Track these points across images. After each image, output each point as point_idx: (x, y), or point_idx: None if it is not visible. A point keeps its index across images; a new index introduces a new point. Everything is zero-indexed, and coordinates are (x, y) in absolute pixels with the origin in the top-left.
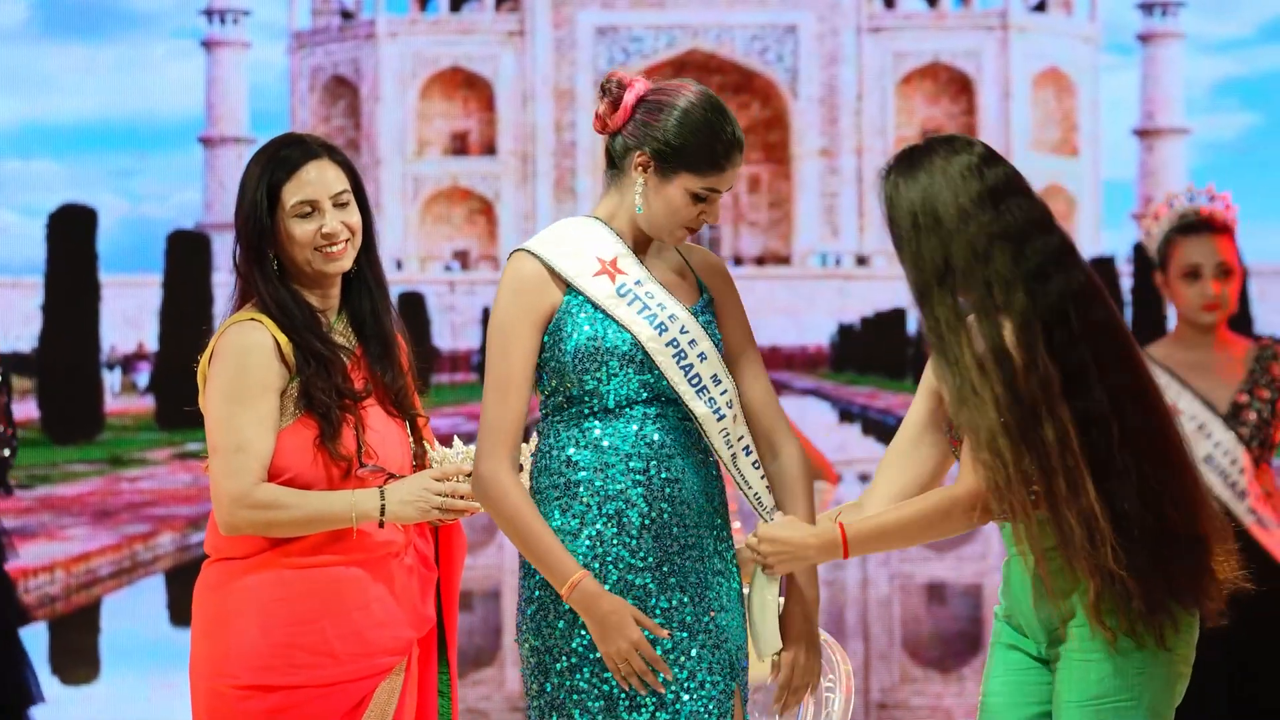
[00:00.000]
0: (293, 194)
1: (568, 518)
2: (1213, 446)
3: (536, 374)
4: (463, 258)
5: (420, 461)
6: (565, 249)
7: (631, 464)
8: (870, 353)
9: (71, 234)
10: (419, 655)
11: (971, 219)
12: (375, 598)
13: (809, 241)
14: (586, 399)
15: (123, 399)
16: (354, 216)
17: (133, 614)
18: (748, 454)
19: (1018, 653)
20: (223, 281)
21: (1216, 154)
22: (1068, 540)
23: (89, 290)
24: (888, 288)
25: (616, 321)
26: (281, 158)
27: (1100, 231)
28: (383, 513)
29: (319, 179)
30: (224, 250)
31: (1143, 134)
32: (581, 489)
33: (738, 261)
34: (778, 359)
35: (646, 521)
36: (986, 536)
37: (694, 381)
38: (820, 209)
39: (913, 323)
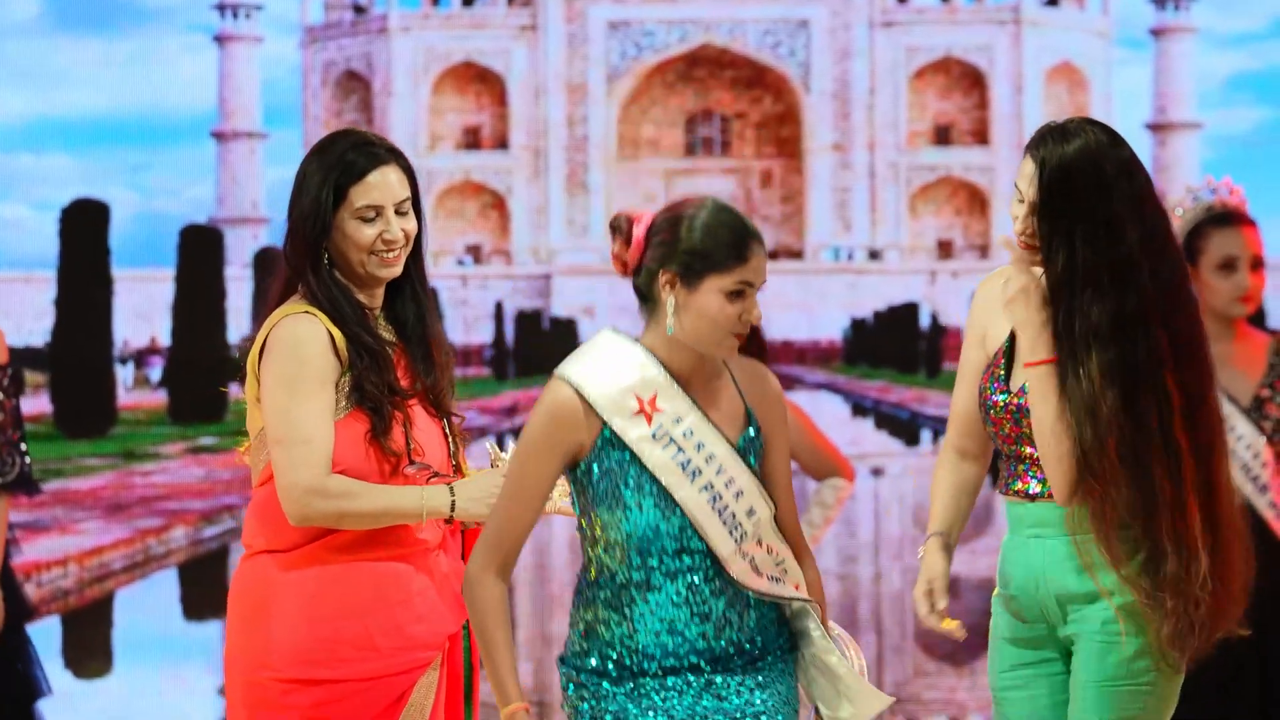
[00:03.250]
0: (360, 196)
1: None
2: (1235, 440)
3: (573, 488)
4: (475, 252)
5: (457, 460)
6: (604, 382)
7: (666, 631)
8: (883, 347)
9: (84, 228)
10: (449, 650)
11: (1127, 228)
12: (416, 592)
13: (821, 236)
14: (612, 534)
15: (135, 393)
16: (412, 224)
17: (145, 608)
18: (780, 568)
19: (1022, 645)
20: (235, 275)
21: (1229, 148)
22: (1157, 566)
23: (102, 285)
24: (900, 282)
25: (643, 465)
26: (351, 160)
27: None
28: (452, 509)
29: (386, 184)
30: (236, 245)
31: (1155, 128)
32: (613, 656)
33: None
34: (790, 353)
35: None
36: (999, 530)
37: (727, 521)
38: (832, 203)
39: (925, 316)
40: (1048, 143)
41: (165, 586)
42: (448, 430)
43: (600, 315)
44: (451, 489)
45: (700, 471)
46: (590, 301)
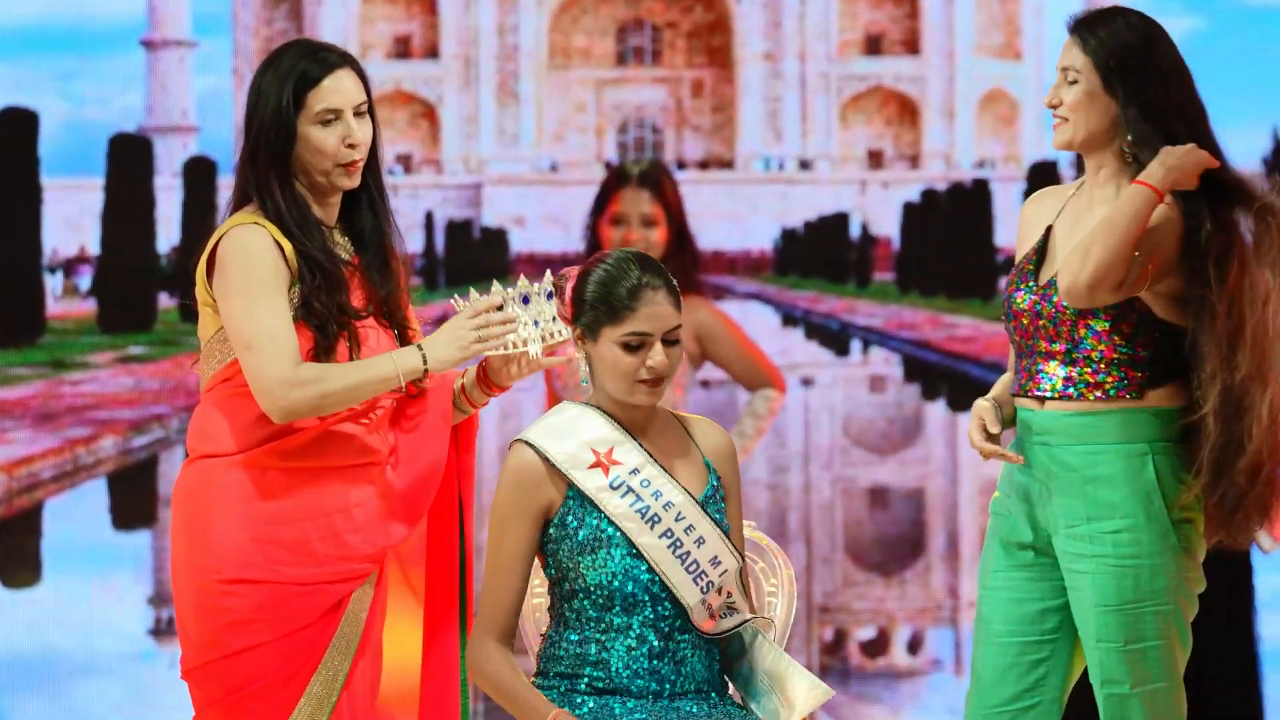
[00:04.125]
0: (319, 101)
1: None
2: None
3: (544, 560)
4: (405, 161)
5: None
6: (562, 439)
7: (633, 667)
8: (813, 257)
9: (13, 137)
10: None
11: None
12: (355, 503)
13: (752, 145)
14: (592, 591)
15: (64, 303)
16: (369, 128)
17: (74, 517)
18: (730, 605)
19: (1015, 549)
20: (165, 184)
21: None
22: (1230, 436)
23: (31, 193)
24: (830, 192)
25: (606, 515)
26: (306, 67)
27: (1043, 135)
28: (425, 362)
29: (342, 88)
30: (166, 154)
31: None
32: (583, 685)
33: (681, 166)
34: (720, 263)
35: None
36: (929, 440)
37: (690, 569)
38: (763, 113)
39: (855, 226)
40: (1090, 21)
41: (94, 496)
42: (399, 342)
43: (530, 225)
44: (419, 346)
45: (659, 518)
46: (521, 211)
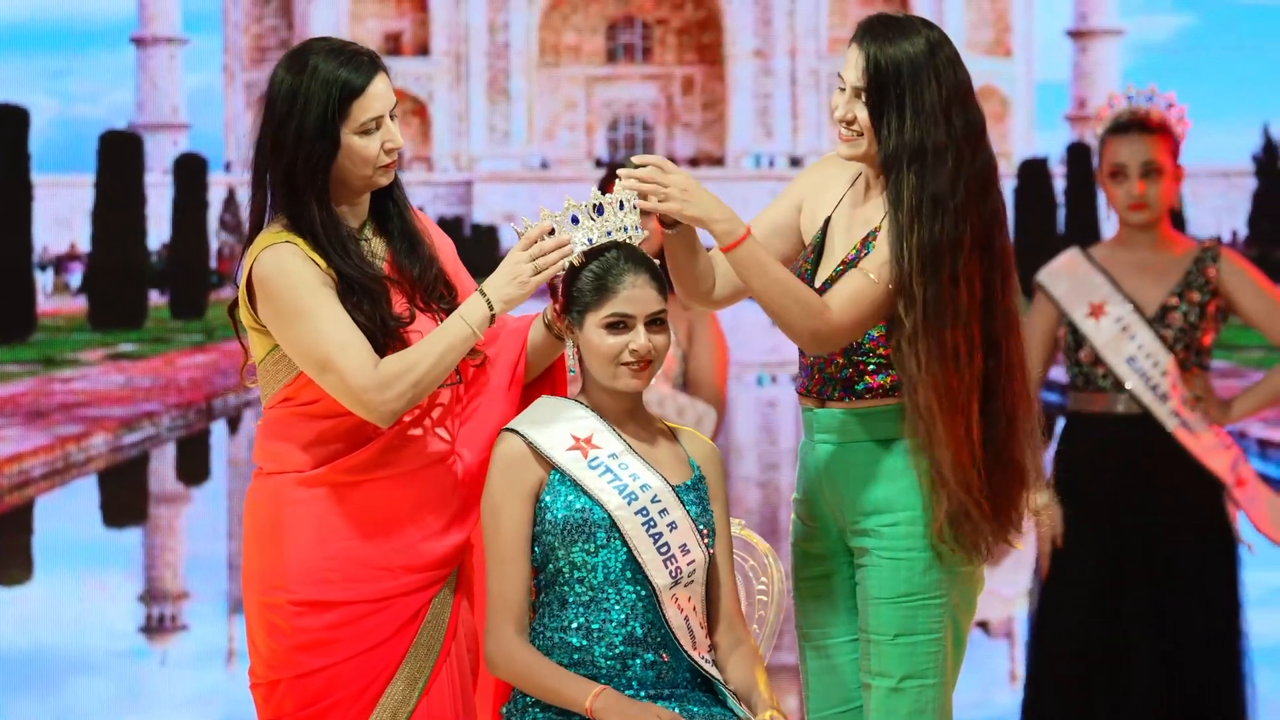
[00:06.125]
0: (364, 111)
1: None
2: (1135, 348)
3: (531, 548)
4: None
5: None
6: (544, 426)
7: (616, 651)
8: None
9: (3, 134)
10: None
11: (952, 114)
12: (430, 510)
13: (743, 143)
14: (575, 571)
15: (55, 300)
16: (397, 127)
17: (66, 515)
18: (711, 658)
19: (813, 554)
20: (155, 182)
21: (1149, 56)
22: (937, 454)
23: (21, 190)
24: None
25: (586, 492)
26: (350, 72)
27: (1034, 133)
28: (491, 307)
29: (383, 93)
30: (156, 151)
31: (1076, 35)
32: (573, 668)
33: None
34: None
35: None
36: None
37: (662, 550)
38: (754, 110)
39: None
40: (876, 31)
41: (85, 493)
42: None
43: (521, 222)
44: (481, 291)
45: (636, 496)
46: (511, 208)
